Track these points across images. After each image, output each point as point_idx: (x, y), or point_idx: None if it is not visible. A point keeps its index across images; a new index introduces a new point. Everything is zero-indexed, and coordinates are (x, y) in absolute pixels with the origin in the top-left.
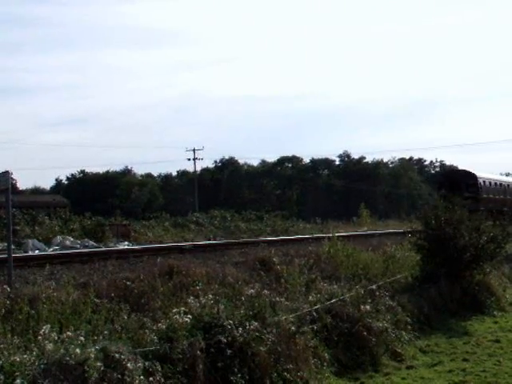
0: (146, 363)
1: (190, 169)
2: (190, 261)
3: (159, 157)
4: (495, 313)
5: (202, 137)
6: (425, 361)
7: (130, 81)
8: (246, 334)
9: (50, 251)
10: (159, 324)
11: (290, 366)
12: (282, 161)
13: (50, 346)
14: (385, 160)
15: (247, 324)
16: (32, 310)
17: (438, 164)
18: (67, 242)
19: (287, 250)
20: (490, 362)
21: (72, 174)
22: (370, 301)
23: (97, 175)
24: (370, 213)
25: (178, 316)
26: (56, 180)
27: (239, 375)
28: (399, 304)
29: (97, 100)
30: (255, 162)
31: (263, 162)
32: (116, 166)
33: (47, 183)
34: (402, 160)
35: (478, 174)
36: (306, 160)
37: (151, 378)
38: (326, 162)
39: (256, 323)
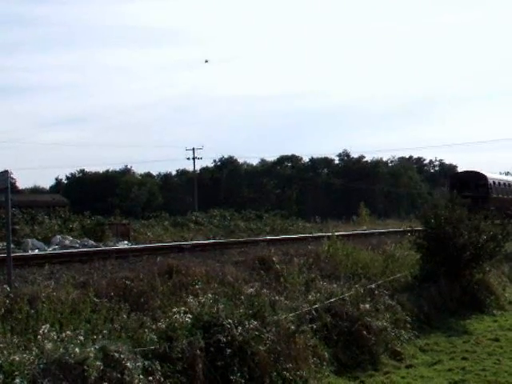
0: (146, 362)
1: (190, 168)
2: (189, 260)
3: (159, 156)
4: (495, 312)
5: (202, 136)
6: (424, 360)
7: (129, 80)
8: (245, 333)
9: (49, 250)
10: (159, 323)
11: (289, 365)
12: (282, 160)
13: (49, 346)
14: (384, 159)
15: (247, 323)
16: (31, 310)
17: (437, 163)
18: (67, 242)
19: (287, 249)
20: (490, 361)
21: (71, 174)
22: (369, 300)
23: (96, 174)
24: (369, 212)
25: (177, 315)
26: (55, 179)
27: (239, 374)
28: (399, 303)
29: (96, 99)
30: (255, 162)
31: (263, 161)
32: (115, 166)
33: (47, 182)
34: (401, 159)
35: (488, 174)
36: (306, 159)
37: (151, 378)
38: (326, 161)
39: (255, 322)
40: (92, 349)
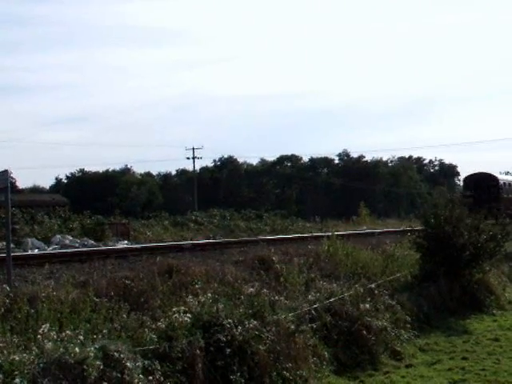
0: (146, 362)
1: (190, 168)
2: (189, 260)
3: (159, 156)
4: (494, 311)
5: (202, 136)
6: (424, 359)
7: (129, 80)
8: (245, 333)
9: (49, 250)
10: (158, 323)
11: (289, 364)
12: (282, 160)
13: (49, 345)
14: (384, 159)
15: (246, 323)
16: (31, 309)
17: (437, 163)
18: (66, 241)
19: (286, 249)
20: (490, 361)
21: (71, 173)
22: (369, 299)
23: (96, 174)
24: (369, 212)
25: (177, 315)
26: (55, 179)
27: (238, 374)
28: (398, 303)
29: (96, 99)
30: (255, 161)
31: (262, 161)
32: (115, 165)
33: (46, 182)
34: (401, 159)
35: (499, 176)
36: (306, 159)
37: (150, 377)
38: (326, 161)
39: (255, 322)
40: (92, 348)
